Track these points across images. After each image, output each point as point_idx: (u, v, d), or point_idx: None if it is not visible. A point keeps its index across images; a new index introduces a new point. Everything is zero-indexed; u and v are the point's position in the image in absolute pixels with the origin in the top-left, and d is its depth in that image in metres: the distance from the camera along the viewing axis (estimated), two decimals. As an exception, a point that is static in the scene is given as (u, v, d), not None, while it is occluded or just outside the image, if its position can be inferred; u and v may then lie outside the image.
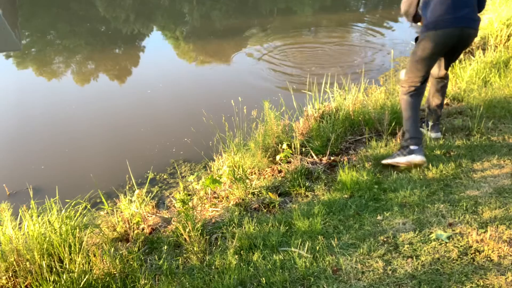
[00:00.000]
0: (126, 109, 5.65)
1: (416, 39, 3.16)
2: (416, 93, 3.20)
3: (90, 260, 2.22)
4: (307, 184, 3.05)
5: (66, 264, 2.18)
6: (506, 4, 6.21)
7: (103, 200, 3.01)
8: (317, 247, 2.32)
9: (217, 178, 3.00)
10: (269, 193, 2.94)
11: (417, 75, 3.16)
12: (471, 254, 2.19)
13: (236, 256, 2.32)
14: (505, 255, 2.15)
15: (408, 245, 2.29)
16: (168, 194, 3.71)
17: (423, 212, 2.56)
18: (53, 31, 10.04)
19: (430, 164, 3.06)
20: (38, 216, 2.41)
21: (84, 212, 2.66)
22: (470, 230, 2.35)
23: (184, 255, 2.45)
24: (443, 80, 3.44)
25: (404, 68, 3.76)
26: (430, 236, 2.34)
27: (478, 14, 3.07)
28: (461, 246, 2.25)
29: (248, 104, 3.87)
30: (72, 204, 2.64)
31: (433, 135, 3.50)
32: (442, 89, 3.46)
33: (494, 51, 5.11)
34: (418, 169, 3.04)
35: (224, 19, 10.89)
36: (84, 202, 2.68)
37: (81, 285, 2.09)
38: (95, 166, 4.24)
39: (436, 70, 3.39)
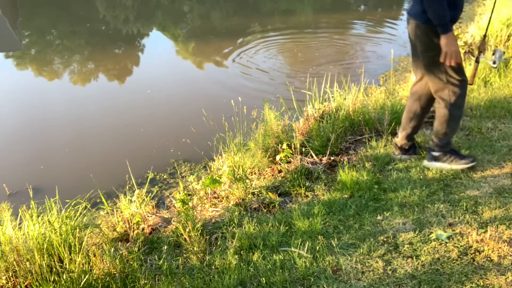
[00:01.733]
0: (126, 109, 5.65)
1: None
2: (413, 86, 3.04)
3: (90, 260, 2.22)
4: (307, 184, 3.05)
5: (66, 264, 2.18)
6: (506, 4, 6.21)
7: (103, 200, 3.01)
8: (317, 247, 2.32)
9: (217, 178, 3.00)
10: (269, 193, 2.94)
11: None
12: (471, 254, 2.19)
13: (236, 256, 2.32)
14: (505, 255, 2.15)
15: (408, 245, 2.29)
16: (168, 194, 3.71)
17: (423, 212, 2.56)
18: (53, 31, 10.03)
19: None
20: (38, 216, 2.41)
21: (84, 212, 2.66)
22: (470, 230, 2.35)
23: (184, 255, 2.45)
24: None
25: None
26: (430, 236, 2.34)
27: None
28: (461, 246, 2.25)
29: (248, 104, 3.87)
30: (72, 204, 2.64)
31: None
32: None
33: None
34: (418, 169, 3.04)
35: (224, 19, 10.89)
36: (84, 202, 2.68)
37: (81, 285, 2.09)
38: (95, 166, 4.24)
39: None
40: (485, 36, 3.05)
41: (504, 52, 3.12)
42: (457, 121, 2.92)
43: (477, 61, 3.00)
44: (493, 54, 3.12)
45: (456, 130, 3.03)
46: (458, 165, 2.94)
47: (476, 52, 2.79)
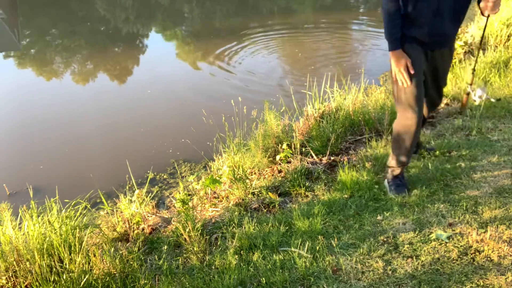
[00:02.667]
0: (126, 109, 5.65)
1: None
2: None
3: (90, 260, 2.22)
4: (307, 184, 3.05)
5: (66, 264, 2.18)
6: (506, 4, 6.21)
7: (103, 200, 3.00)
8: (317, 247, 2.32)
9: (217, 178, 3.00)
10: (269, 193, 2.94)
11: None
12: (471, 254, 2.19)
13: (236, 256, 2.32)
14: (505, 255, 2.15)
15: (408, 245, 2.29)
16: (168, 194, 3.71)
17: (423, 212, 2.56)
18: (53, 31, 10.03)
19: (430, 164, 3.06)
20: (38, 216, 2.41)
21: (84, 212, 2.66)
22: (470, 230, 2.35)
23: (184, 255, 2.45)
24: None
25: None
26: (430, 236, 2.34)
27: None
28: (461, 246, 2.25)
29: (248, 104, 3.87)
30: (72, 204, 2.64)
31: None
32: None
33: (494, 51, 5.11)
34: (418, 169, 3.04)
35: (224, 19, 10.89)
36: (84, 202, 2.68)
37: (81, 285, 2.09)
38: (95, 166, 4.24)
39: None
40: (473, 70, 2.91)
41: (487, 92, 3.05)
42: (397, 147, 2.66)
43: (467, 93, 2.95)
44: (473, 90, 3.01)
45: (399, 158, 2.70)
46: (389, 191, 2.79)
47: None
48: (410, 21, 2.38)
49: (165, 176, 4.01)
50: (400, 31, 2.38)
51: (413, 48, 2.44)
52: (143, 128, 5.00)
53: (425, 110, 2.85)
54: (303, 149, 3.44)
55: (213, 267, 2.28)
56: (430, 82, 2.65)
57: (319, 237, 2.39)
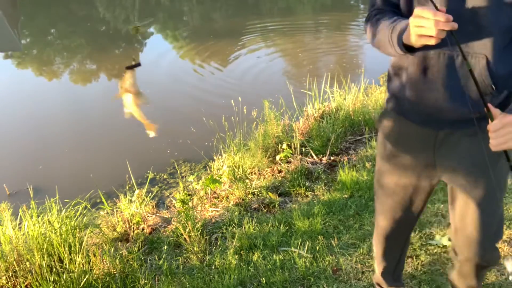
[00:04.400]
0: (126, 109, 5.64)
1: None
2: None
3: (90, 260, 2.22)
4: (307, 184, 3.05)
5: (66, 264, 2.18)
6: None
7: (103, 200, 3.00)
8: (317, 247, 2.32)
9: (217, 178, 3.00)
10: (269, 193, 2.94)
11: None
12: (471, 254, 2.19)
13: (236, 256, 2.32)
14: (505, 255, 2.15)
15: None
16: (168, 194, 3.71)
17: (423, 212, 2.56)
18: (53, 31, 10.04)
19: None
20: (38, 216, 2.41)
21: (84, 212, 2.65)
22: (470, 230, 2.35)
23: (184, 255, 2.45)
24: None
25: None
26: (430, 236, 2.34)
27: None
28: (461, 246, 2.25)
29: (248, 104, 3.87)
30: (72, 204, 2.64)
31: None
32: None
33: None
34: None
35: (224, 19, 10.89)
36: (84, 202, 2.68)
37: (81, 285, 2.09)
38: (95, 166, 4.24)
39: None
40: None
41: None
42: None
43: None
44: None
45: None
46: None
47: None
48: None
49: (165, 176, 4.01)
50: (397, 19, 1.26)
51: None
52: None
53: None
54: (303, 149, 3.44)
55: (213, 267, 2.29)
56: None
57: (319, 237, 2.39)
